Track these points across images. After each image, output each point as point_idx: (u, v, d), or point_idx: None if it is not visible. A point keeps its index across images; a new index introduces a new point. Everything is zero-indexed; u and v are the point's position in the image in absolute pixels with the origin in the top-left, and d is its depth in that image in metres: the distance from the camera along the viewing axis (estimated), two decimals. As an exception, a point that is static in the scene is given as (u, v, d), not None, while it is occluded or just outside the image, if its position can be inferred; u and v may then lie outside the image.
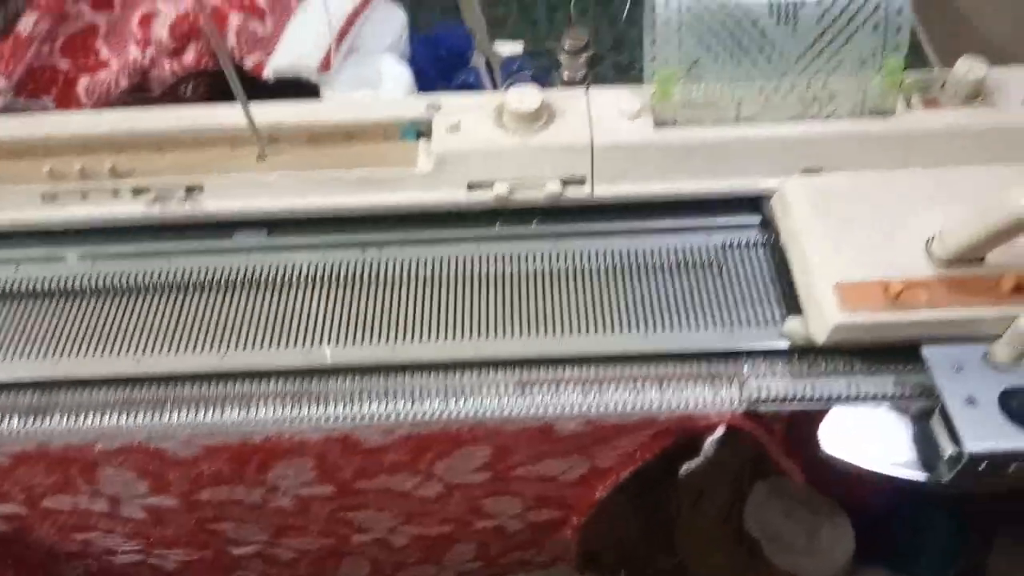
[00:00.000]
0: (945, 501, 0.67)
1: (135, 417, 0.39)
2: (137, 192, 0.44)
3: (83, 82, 0.54)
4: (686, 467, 0.40)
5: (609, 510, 0.48)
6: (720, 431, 0.38)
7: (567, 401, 0.38)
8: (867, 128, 0.43)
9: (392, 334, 0.41)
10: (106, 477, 0.43)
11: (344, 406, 0.39)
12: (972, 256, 0.37)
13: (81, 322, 0.42)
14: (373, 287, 0.43)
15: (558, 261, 0.43)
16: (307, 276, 0.43)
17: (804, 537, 0.64)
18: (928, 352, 0.37)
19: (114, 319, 0.42)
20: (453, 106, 0.45)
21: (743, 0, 0.41)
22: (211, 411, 0.39)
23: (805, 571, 0.63)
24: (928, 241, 0.38)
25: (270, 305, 0.42)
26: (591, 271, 0.43)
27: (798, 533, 0.64)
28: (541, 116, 0.44)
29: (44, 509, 0.46)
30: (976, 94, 0.44)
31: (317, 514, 0.48)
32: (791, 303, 0.40)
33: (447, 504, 0.48)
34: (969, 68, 0.43)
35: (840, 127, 0.43)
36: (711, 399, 0.38)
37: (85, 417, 0.39)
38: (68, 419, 0.38)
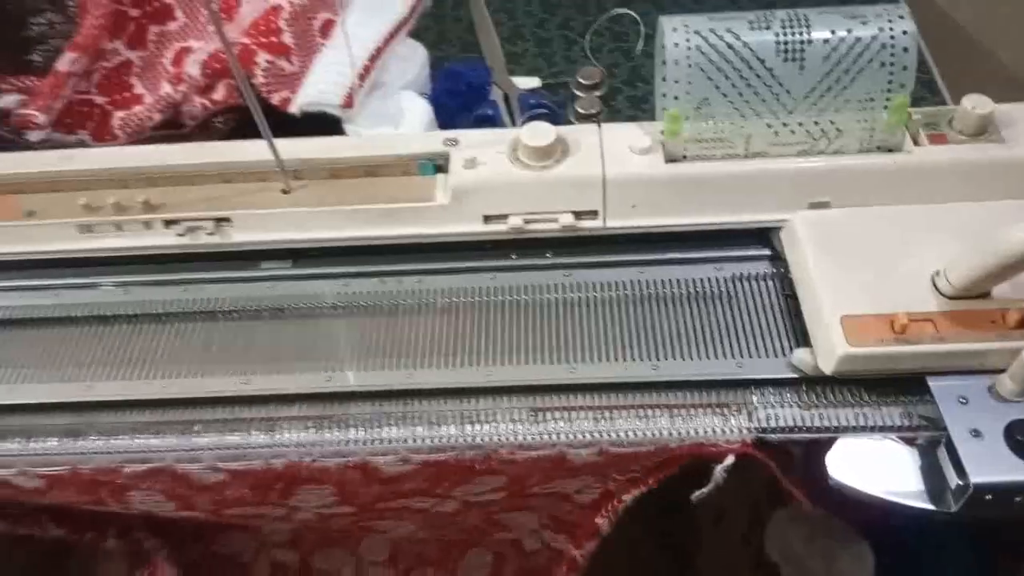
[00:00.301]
0: (969, 528, 0.67)
1: (164, 438, 0.40)
2: (168, 224, 0.46)
3: (118, 116, 0.57)
4: (697, 495, 0.41)
5: (620, 548, 0.48)
6: (730, 460, 0.38)
7: (579, 428, 0.39)
8: (874, 163, 0.44)
9: (410, 360, 0.42)
10: (135, 499, 0.44)
11: (363, 430, 0.40)
12: (978, 290, 0.38)
13: (114, 347, 0.43)
14: (392, 315, 0.44)
15: (571, 291, 0.44)
16: (329, 304, 0.45)
17: (823, 563, 0.64)
18: (934, 384, 0.37)
19: (145, 344, 0.44)
20: (470, 141, 0.47)
21: (751, 40, 0.43)
22: (236, 433, 0.40)
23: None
24: (934, 275, 0.39)
25: (294, 332, 0.44)
26: (603, 301, 0.44)
27: (817, 560, 0.64)
28: (555, 151, 0.45)
29: (80, 510, 0.48)
30: (983, 130, 0.44)
31: (339, 524, 0.49)
32: (800, 334, 0.41)
33: (466, 517, 0.49)
34: (975, 104, 0.44)
35: (847, 162, 0.44)
36: (721, 428, 0.39)
37: (117, 438, 0.40)
38: (101, 440, 0.40)
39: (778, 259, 0.44)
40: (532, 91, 0.60)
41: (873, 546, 0.65)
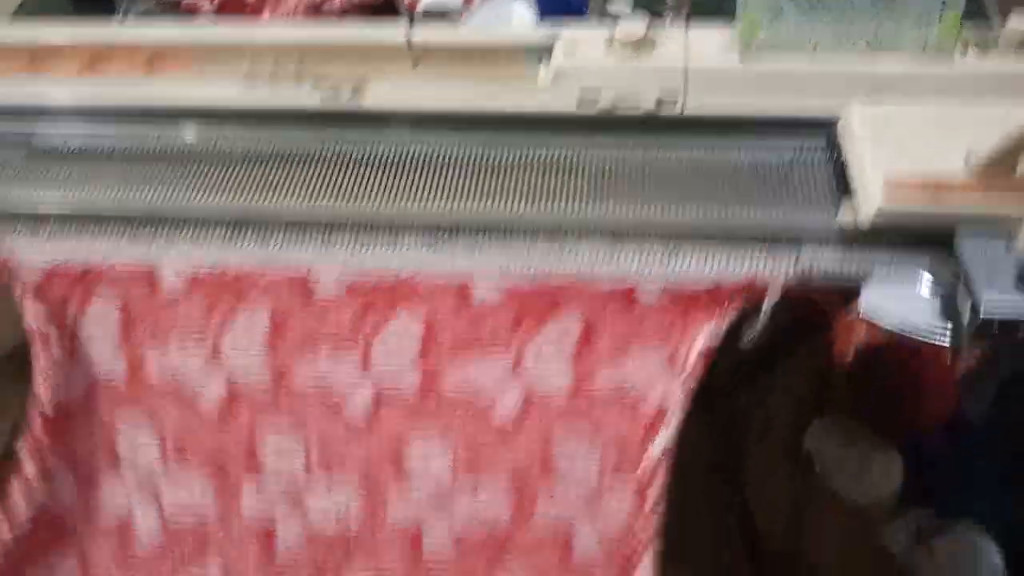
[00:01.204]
0: (997, 450, 0.71)
1: (306, 245, 0.49)
2: (315, 86, 0.55)
3: (268, 10, 0.67)
4: (748, 334, 0.47)
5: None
6: (776, 294, 0.45)
7: (649, 262, 0.47)
8: (925, 69, 0.50)
9: (507, 201, 0.50)
10: (235, 336, 0.51)
11: (465, 256, 0.48)
12: (1005, 164, 0.44)
13: (267, 177, 0.53)
14: (494, 171, 0.52)
15: (649, 161, 0.52)
16: (444, 160, 0.53)
17: (856, 466, 0.69)
18: (960, 239, 0.44)
19: (293, 177, 0.53)
20: (571, 34, 0.55)
21: (824, -44, 0.50)
22: (364, 247, 0.49)
23: (854, 496, 0.69)
24: (968, 154, 0.45)
25: (413, 178, 0.52)
26: (677, 170, 0.51)
27: (850, 462, 0.70)
28: (645, 44, 0.53)
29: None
30: (1026, 45, 0.50)
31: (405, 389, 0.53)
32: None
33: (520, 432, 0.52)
34: (1020, 23, 0.50)
35: (901, 68, 0.50)
36: (770, 269, 0.46)
37: (271, 234, 0.50)
38: (256, 237, 0.50)
39: (835, 147, 0.51)
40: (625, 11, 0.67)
41: (904, 459, 0.71)
